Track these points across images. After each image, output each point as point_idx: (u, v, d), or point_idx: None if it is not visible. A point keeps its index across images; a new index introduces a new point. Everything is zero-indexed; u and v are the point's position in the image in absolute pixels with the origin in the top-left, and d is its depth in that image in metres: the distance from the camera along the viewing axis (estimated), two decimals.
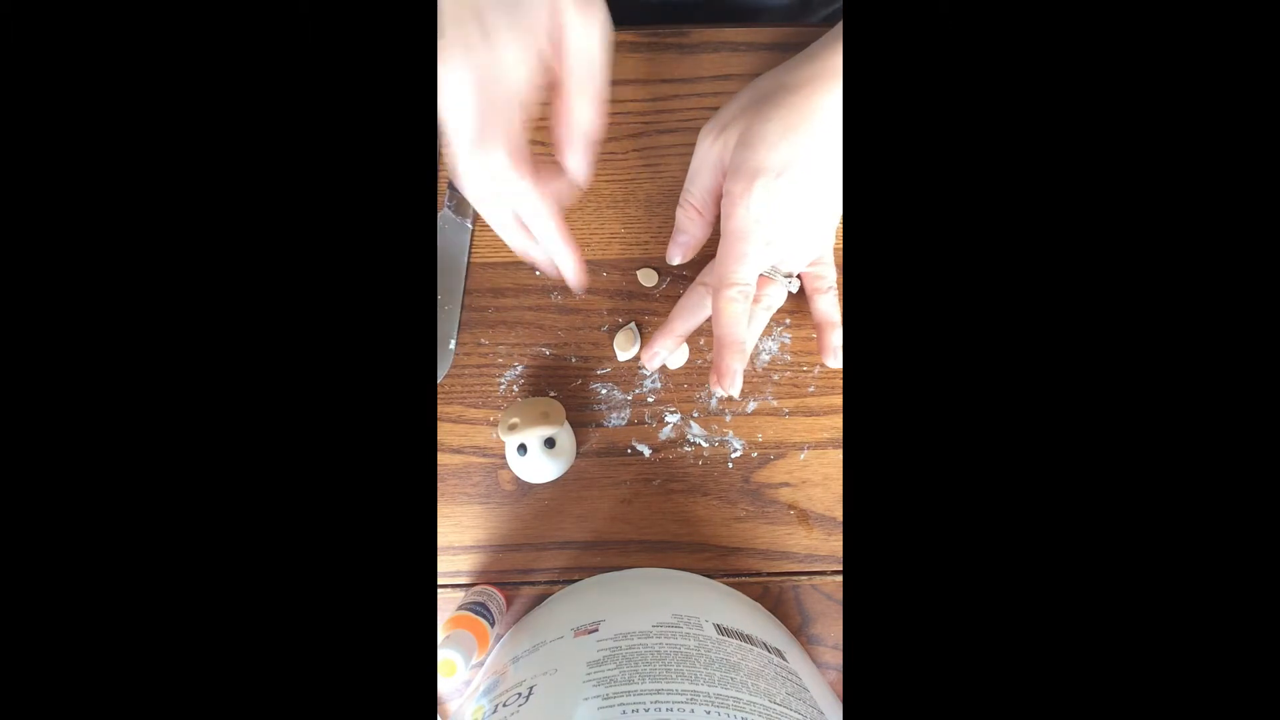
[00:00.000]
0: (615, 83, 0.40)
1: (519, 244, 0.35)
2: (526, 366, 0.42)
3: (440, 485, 0.42)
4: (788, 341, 0.42)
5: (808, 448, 0.42)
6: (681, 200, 0.39)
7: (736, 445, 0.42)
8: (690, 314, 0.39)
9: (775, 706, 0.29)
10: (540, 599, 0.42)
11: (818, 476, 0.42)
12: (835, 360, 0.41)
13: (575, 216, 0.42)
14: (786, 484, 0.42)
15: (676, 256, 0.40)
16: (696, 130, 0.38)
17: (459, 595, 0.42)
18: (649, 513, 0.42)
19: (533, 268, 0.42)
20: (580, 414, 0.42)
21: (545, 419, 0.39)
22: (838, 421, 0.42)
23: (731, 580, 0.42)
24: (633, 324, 0.42)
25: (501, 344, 0.42)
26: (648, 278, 0.42)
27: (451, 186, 0.42)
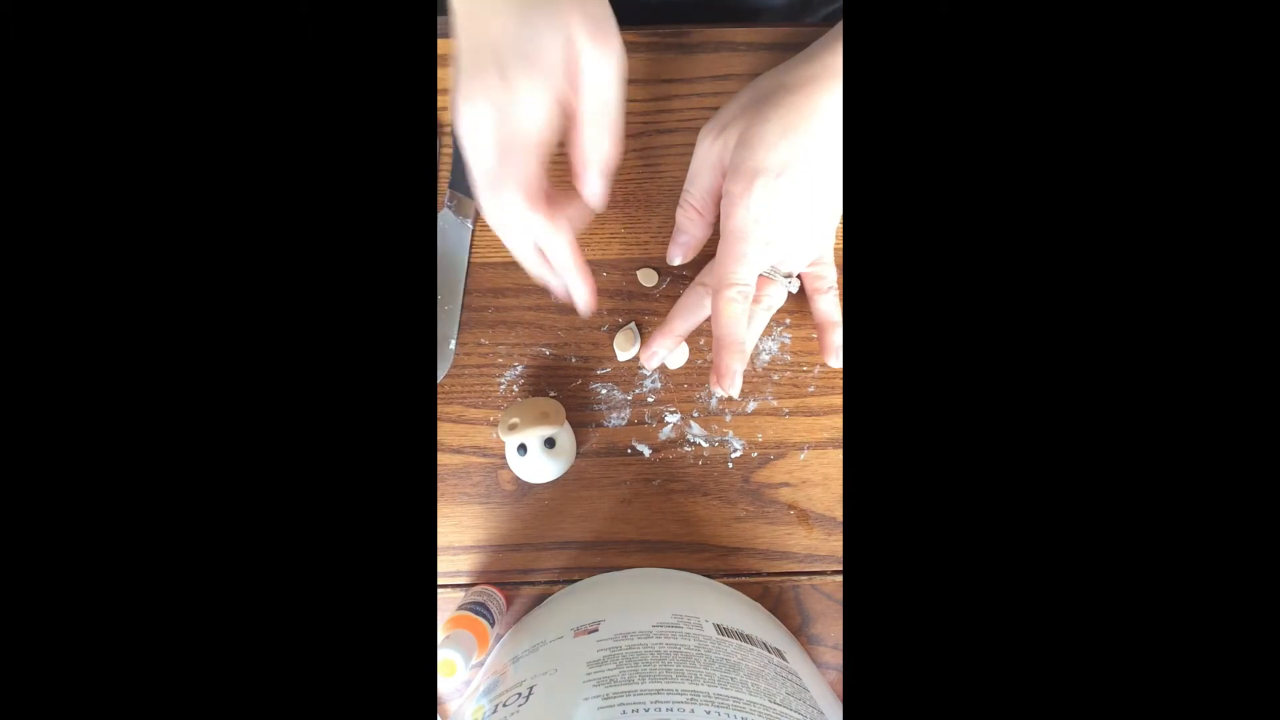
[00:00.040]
0: None
1: (536, 270, 0.36)
2: (526, 366, 0.42)
3: (440, 485, 0.42)
4: (788, 341, 0.42)
5: (808, 448, 0.42)
6: (681, 200, 0.39)
7: (736, 445, 0.42)
8: (689, 314, 0.39)
9: (775, 706, 0.29)
10: (540, 599, 0.42)
11: (818, 476, 0.42)
12: (836, 360, 0.41)
13: None
14: (786, 484, 0.42)
15: (677, 257, 0.40)
16: (696, 130, 0.38)
17: (459, 595, 0.42)
18: (649, 513, 0.42)
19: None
20: (580, 414, 0.42)
21: (545, 419, 0.39)
22: (838, 421, 0.42)
23: (731, 580, 0.42)
24: (633, 324, 0.42)
25: (501, 344, 0.42)
26: (648, 278, 0.42)
27: (452, 186, 0.42)
